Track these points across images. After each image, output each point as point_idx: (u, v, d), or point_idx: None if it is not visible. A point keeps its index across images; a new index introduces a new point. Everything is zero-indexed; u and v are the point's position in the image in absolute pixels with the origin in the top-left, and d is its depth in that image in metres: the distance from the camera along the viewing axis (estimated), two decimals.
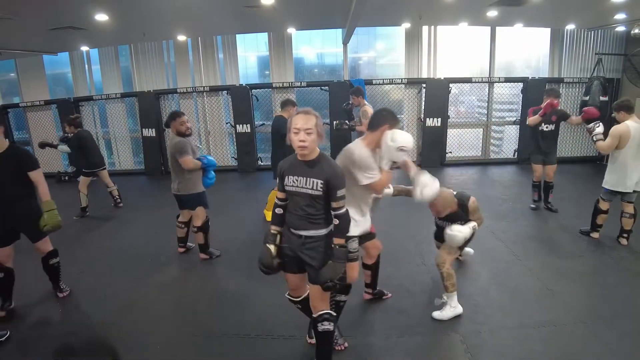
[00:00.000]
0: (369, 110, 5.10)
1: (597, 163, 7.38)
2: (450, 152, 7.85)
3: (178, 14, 5.58)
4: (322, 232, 2.15)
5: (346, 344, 2.57)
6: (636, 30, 6.30)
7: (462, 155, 7.97)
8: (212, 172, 3.83)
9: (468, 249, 3.56)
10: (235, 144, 7.95)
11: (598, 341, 2.54)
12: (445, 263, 2.91)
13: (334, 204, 2.08)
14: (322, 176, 2.06)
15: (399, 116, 7.96)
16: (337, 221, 2.10)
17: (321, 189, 2.07)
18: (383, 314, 2.95)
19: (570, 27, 7.43)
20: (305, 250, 2.17)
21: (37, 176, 2.97)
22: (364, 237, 2.75)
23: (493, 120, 8.08)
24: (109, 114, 8.39)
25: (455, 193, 3.06)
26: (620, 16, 6.13)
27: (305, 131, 2.02)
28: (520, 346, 2.52)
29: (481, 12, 6.02)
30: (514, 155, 7.93)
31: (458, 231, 2.86)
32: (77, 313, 3.11)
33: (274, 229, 2.25)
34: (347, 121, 5.50)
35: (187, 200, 3.82)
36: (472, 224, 2.93)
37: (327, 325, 2.23)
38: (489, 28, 7.72)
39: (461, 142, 7.94)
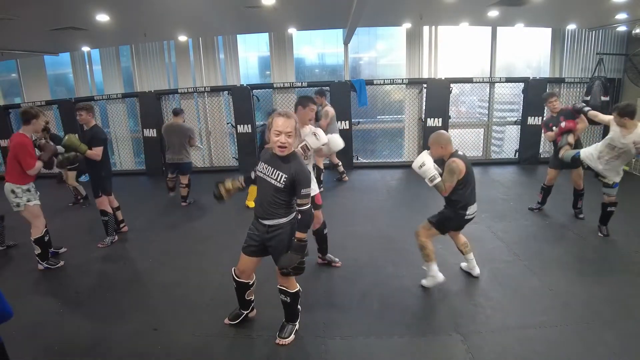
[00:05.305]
0: (330, 110, 5.80)
1: None
2: None
3: (179, 14, 5.59)
4: (283, 220, 2.40)
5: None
6: (637, 30, 6.30)
7: None
8: None
9: (471, 264, 3.43)
10: (236, 144, 7.95)
11: (599, 342, 2.54)
12: (420, 235, 3.22)
13: (299, 201, 2.31)
14: (288, 172, 2.28)
15: (400, 116, 8.12)
16: (300, 216, 2.33)
17: (284, 183, 2.28)
18: (383, 313, 2.95)
19: (571, 27, 7.42)
20: (269, 240, 2.44)
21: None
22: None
23: (494, 120, 8.07)
24: (110, 114, 8.39)
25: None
26: (621, 16, 6.12)
27: (287, 134, 2.25)
28: (521, 346, 2.52)
29: (482, 12, 6.02)
30: (514, 156, 7.92)
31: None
32: (77, 313, 3.11)
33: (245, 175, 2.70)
34: None
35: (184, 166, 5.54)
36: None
37: (284, 298, 2.57)
38: (489, 28, 7.71)
39: (462, 142, 7.91)
